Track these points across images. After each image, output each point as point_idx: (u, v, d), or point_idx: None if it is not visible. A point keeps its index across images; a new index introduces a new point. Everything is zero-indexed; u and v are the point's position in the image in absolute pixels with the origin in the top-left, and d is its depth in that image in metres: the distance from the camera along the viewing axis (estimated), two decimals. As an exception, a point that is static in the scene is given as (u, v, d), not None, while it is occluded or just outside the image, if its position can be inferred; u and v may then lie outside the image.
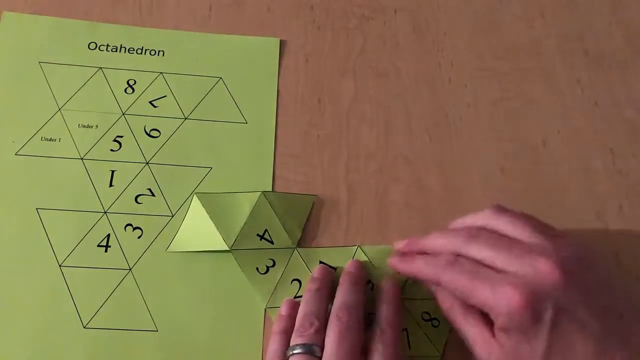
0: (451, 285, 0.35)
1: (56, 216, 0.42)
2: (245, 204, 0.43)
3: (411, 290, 0.42)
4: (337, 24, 0.52)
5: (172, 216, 0.43)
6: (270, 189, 0.45)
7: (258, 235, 0.42)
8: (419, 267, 0.38)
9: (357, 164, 0.47)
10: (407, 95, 0.50)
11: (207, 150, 0.46)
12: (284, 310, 0.40)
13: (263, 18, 0.52)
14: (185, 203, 0.44)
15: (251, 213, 0.42)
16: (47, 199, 0.43)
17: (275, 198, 0.43)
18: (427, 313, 0.41)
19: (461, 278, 0.34)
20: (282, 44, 0.51)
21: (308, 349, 0.35)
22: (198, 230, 0.42)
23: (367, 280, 0.41)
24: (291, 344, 0.36)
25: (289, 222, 0.43)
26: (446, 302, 0.37)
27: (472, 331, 0.35)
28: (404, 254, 0.40)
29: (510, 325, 0.32)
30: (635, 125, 0.50)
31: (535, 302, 0.31)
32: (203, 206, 0.42)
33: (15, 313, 0.39)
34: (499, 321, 0.33)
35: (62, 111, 0.46)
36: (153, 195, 0.44)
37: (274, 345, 0.37)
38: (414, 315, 0.41)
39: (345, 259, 0.42)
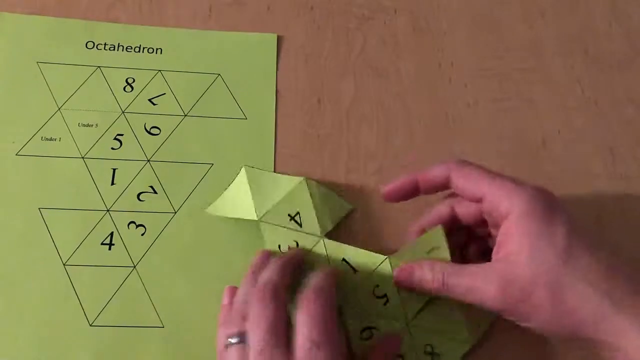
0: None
1: (59, 215, 0.42)
2: (286, 185, 0.43)
3: (425, 318, 0.39)
4: (337, 24, 0.52)
5: (175, 213, 0.43)
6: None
7: (289, 215, 0.42)
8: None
9: (357, 164, 0.47)
10: (407, 95, 0.50)
11: (208, 146, 0.46)
12: (225, 299, 0.39)
13: (263, 18, 0.52)
14: (187, 199, 0.44)
15: (288, 193, 0.42)
16: (49, 199, 0.42)
17: (316, 188, 0.44)
18: (430, 346, 0.39)
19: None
20: (282, 43, 0.51)
21: (240, 338, 0.34)
22: (236, 199, 0.43)
23: (300, 267, 0.39)
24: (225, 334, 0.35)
25: (323, 213, 0.43)
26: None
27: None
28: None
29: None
30: (635, 125, 0.50)
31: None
32: (247, 178, 0.43)
33: (22, 313, 0.39)
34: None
35: (61, 111, 0.46)
36: (155, 192, 0.44)
37: (218, 337, 0.36)
38: (416, 344, 0.39)
39: (369, 265, 0.40)
